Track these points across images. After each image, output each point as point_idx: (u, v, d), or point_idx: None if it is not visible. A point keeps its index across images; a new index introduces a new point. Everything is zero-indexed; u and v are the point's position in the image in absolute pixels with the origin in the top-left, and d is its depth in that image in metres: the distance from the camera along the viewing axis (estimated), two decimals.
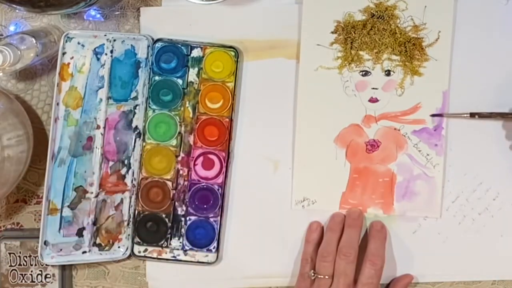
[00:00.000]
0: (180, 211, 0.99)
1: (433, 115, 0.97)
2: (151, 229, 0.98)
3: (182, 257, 0.99)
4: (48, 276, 1.00)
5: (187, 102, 0.98)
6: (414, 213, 0.99)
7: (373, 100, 0.98)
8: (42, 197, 0.97)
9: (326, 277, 0.94)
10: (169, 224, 0.98)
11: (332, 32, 0.98)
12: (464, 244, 0.98)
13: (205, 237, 0.98)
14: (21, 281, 1.00)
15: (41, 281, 1.00)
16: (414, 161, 0.98)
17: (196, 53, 0.98)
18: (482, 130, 0.98)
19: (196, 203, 0.98)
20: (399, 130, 0.98)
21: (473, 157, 0.98)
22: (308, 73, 0.98)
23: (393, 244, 0.99)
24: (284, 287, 1.01)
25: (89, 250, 0.98)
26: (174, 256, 0.99)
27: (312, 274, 0.95)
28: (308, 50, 0.98)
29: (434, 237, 0.99)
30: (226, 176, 0.98)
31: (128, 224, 0.99)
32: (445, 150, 0.98)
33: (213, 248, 0.98)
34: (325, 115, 0.99)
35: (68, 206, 0.96)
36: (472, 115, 0.96)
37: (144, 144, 0.98)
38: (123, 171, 0.98)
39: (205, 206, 0.98)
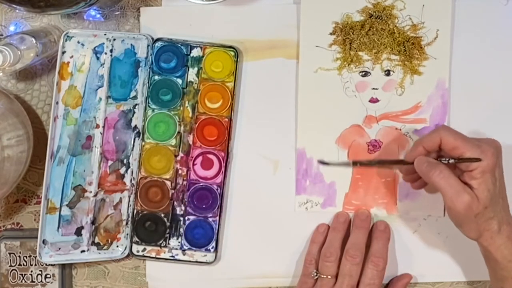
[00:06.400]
0: (179, 210, 0.99)
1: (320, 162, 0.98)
2: (150, 229, 0.98)
3: (180, 256, 0.98)
4: (48, 276, 1.00)
5: (187, 102, 0.98)
6: (417, 212, 0.98)
7: (373, 100, 0.98)
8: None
9: (329, 277, 0.94)
10: (168, 224, 0.98)
11: (330, 34, 0.98)
12: (464, 244, 0.96)
13: (203, 237, 0.98)
14: (21, 281, 1.00)
15: (41, 281, 1.00)
16: None
17: (195, 52, 0.98)
18: (482, 130, 0.98)
19: (195, 202, 0.98)
20: (400, 129, 0.98)
21: None
22: (308, 75, 0.98)
23: (393, 244, 0.99)
24: (285, 287, 1.00)
25: (88, 249, 0.98)
26: (172, 256, 0.98)
27: (315, 274, 0.95)
28: (307, 52, 0.98)
29: (434, 237, 0.99)
30: (225, 176, 0.98)
31: (126, 223, 0.99)
32: None
33: (212, 248, 0.98)
34: (326, 117, 0.99)
35: (67, 205, 0.97)
36: (354, 163, 0.97)
37: (143, 143, 0.98)
38: (122, 170, 0.98)
39: (203, 206, 0.98)
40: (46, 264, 0.99)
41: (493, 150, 0.86)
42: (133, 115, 0.98)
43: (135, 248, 0.99)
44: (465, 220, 0.87)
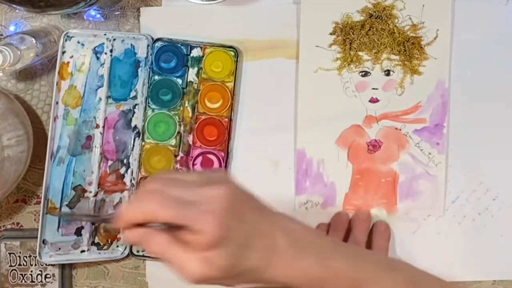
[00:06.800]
0: None
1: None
2: None
3: None
4: (48, 276, 1.00)
5: (187, 102, 0.98)
6: (418, 212, 0.98)
7: (373, 100, 0.98)
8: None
9: None
10: None
11: (330, 34, 0.98)
12: (464, 244, 0.97)
13: None
14: (21, 281, 1.00)
15: (41, 281, 1.00)
16: (416, 160, 0.98)
17: (195, 52, 0.98)
18: (482, 130, 0.98)
19: None
20: (400, 129, 0.98)
21: (473, 157, 0.98)
22: (307, 75, 0.98)
23: (393, 244, 0.98)
24: None
25: (88, 249, 0.98)
26: None
27: None
28: (307, 52, 0.98)
29: (434, 237, 0.99)
30: None
31: None
32: (447, 148, 0.98)
33: None
34: (326, 117, 0.98)
35: (67, 205, 0.96)
36: (60, 214, 0.93)
37: (143, 143, 0.98)
38: (122, 170, 0.98)
39: None
40: (46, 264, 0.99)
41: (211, 219, 0.68)
42: (133, 115, 0.98)
43: (135, 248, 0.99)
44: (209, 284, 0.70)
